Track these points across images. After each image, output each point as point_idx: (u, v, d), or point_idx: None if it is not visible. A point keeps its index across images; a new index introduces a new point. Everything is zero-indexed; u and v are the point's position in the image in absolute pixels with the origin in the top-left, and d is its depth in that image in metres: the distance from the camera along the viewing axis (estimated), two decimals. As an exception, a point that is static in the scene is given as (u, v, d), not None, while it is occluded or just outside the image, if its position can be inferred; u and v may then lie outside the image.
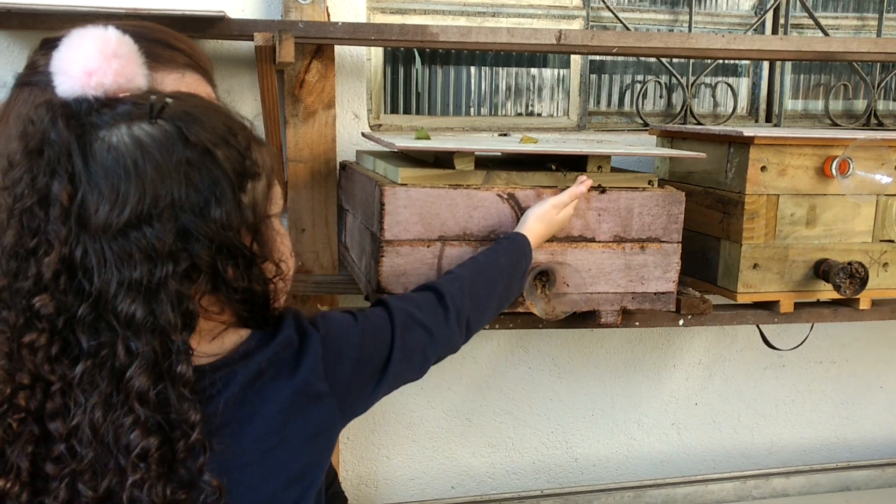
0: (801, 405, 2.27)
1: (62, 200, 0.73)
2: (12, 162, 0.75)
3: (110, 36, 0.78)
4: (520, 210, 1.33)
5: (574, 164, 1.41)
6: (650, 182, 1.41)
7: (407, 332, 1.01)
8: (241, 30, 1.51)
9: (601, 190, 1.36)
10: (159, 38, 0.96)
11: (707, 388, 2.19)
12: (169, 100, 0.78)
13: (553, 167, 1.39)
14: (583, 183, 1.32)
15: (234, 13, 1.66)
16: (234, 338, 0.85)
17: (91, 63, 0.76)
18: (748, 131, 1.53)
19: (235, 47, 1.71)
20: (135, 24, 0.94)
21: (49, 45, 0.79)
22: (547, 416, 2.11)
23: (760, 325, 1.95)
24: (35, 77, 0.91)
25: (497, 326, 1.49)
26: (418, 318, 1.04)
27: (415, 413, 2.02)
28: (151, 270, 0.73)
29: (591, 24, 2.02)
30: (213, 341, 0.83)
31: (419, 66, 1.98)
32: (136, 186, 0.73)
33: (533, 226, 1.29)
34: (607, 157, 1.40)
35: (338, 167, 1.76)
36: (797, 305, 1.62)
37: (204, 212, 0.76)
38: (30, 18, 1.46)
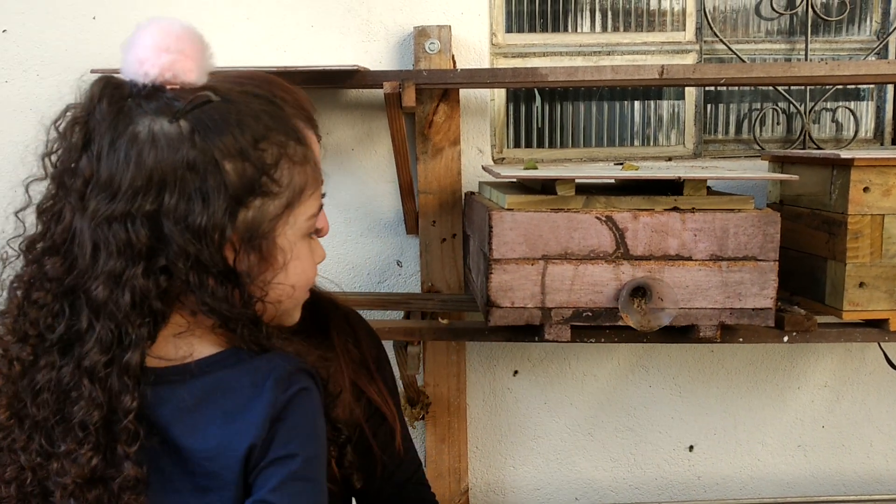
0: (942, 432, 2.20)
1: (85, 175, 0.76)
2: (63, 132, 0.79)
3: (171, 30, 0.79)
4: (617, 231, 1.46)
5: (674, 188, 1.52)
6: (745, 204, 1.49)
7: None
8: (373, 80, 1.73)
9: (692, 210, 1.46)
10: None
11: (835, 411, 2.17)
12: (214, 99, 0.78)
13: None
14: None
15: (372, 66, 1.90)
16: (202, 348, 0.83)
17: (142, 52, 0.78)
18: (847, 154, 1.58)
19: (373, 95, 1.94)
20: (245, 75, 1.04)
21: None
22: (668, 434, 2.17)
23: (882, 346, 1.95)
24: None
25: (603, 340, 1.61)
26: None
27: (539, 427, 2.15)
28: (123, 263, 0.75)
29: (704, 57, 2.11)
30: (179, 347, 0.82)
31: (539, 103, 2.15)
32: (131, 181, 0.74)
33: None
34: (702, 181, 1.50)
35: (463, 197, 1.95)
36: (910, 324, 1.63)
37: (187, 219, 0.75)
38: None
